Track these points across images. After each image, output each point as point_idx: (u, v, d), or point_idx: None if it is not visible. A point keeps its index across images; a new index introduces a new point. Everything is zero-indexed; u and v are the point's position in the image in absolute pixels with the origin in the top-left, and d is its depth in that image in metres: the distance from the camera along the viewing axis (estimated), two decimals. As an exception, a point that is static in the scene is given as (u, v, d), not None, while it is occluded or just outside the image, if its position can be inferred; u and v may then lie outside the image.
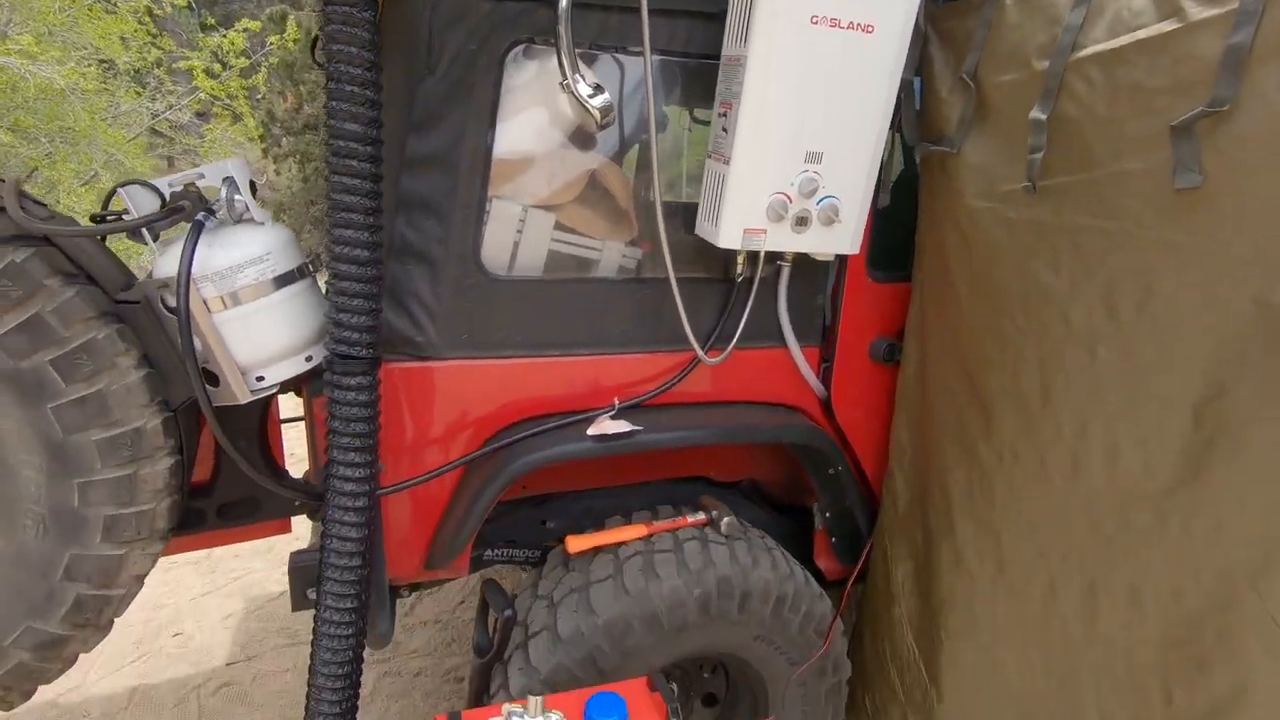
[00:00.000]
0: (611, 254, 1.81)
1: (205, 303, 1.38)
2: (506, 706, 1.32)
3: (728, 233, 1.63)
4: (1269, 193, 1.14)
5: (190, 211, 1.39)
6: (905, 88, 1.71)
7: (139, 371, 1.33)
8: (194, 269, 1.34)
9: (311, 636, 1.56)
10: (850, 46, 1.53)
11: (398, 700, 2.50)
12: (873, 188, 1.71)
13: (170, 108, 8.67)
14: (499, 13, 1.51)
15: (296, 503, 1.77)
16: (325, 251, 1.43)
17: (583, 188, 1.76)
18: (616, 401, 1.79)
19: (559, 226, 1.74)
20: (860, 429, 2.06)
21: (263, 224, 1.48)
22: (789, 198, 1.62)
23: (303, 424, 1.86)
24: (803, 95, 1.54)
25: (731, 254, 1.72)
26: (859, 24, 1.51)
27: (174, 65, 8.51)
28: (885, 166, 1.76)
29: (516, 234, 1.71)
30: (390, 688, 2.56)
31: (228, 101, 8.44)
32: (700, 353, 1.77)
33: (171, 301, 1.35)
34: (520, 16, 1.52)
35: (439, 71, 1.52)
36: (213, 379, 1.44)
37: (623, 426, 1.71)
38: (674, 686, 1.50)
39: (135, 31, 7.81)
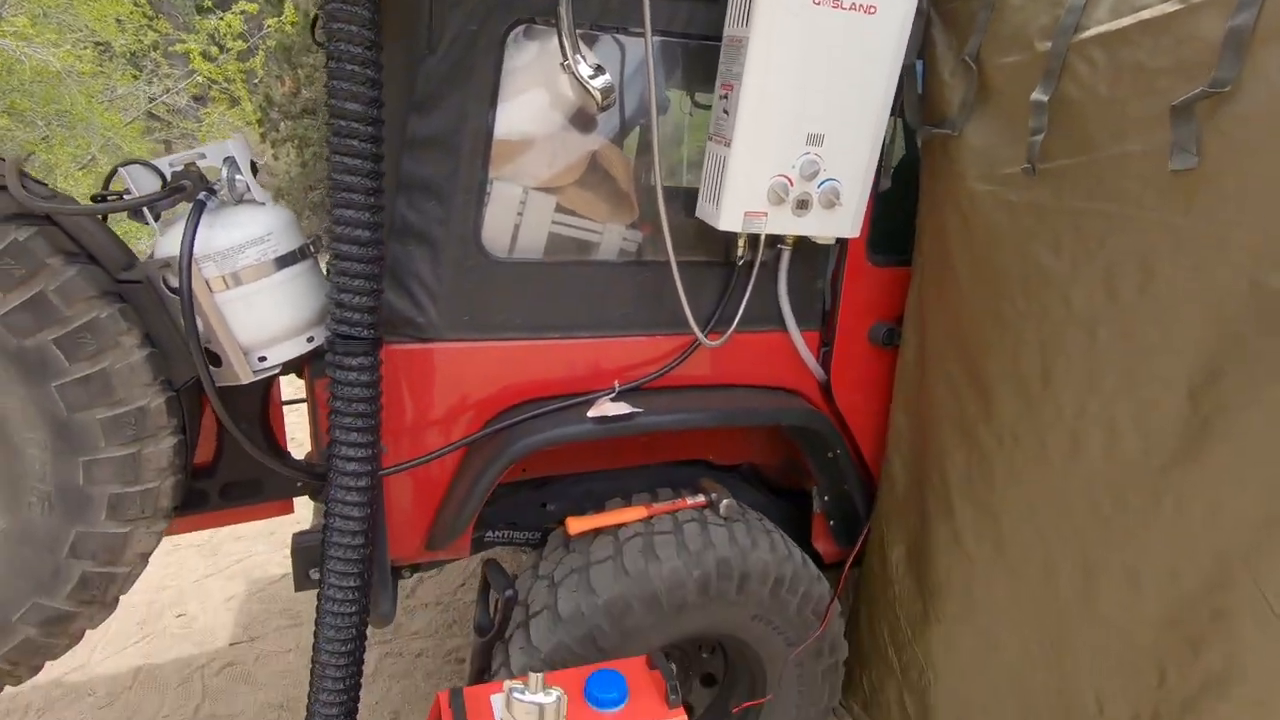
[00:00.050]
0: (612, 237, 1.81)
1: (207, 283, 1.39)
2: (508, 683, 1.34)
3: (728, 215, 1.63)
4: (1270, 173, 1.14)
5: (191, 191, 1.39)
6: (907, 70, 1.70)
7: (142, 351, 1.33)
8: (195, 249, 1.34)
9: (315, 616, 1.57)
10: (852, 28, 1.52)
11: (399, 681, 2.53)
12: (874, 171, 1.71)
13: (167, 91, 8.61)
14: (500, -8, 1.50)
15: (299, 483, 1.78)
16: (326, 232, 1.43)
17: (584, 170, 1.76)
18: (617, 384, 1.80)
19: (560, 209, 1.74)
20: (859, 413, 2.07)
21: (264, 204, 1.48)
22: (790, 180, 1.62)
23: (303, 407, 1.87)
24: (804, 77, 1.54)
25: (732, 237, 1.72)
26: (861, 5, 1.50)
27: (170, 48, 8.43)
28: (886, 150, 1.76)
29: (517, 216, 1.71)
30: (392, 668, 2.58)
31: (225, 85, 8.38)
32: (700, 336, 1.77)
33: (173, 281, 1.35)
34: (521, -4, 1.51)
35: (439, 52, 1.51)
36: (215, 359, 1.45)
37: (623, 409, 1.72)
38: (673, 666, 1.51)
39: (131, 14, 7.74)
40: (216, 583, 3.00)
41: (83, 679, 2.47)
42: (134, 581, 1.46)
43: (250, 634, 2.72)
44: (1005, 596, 1.71)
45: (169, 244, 1.37)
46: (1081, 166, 1.42)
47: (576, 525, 1.80)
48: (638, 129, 1.84)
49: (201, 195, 1.39)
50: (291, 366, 1.60)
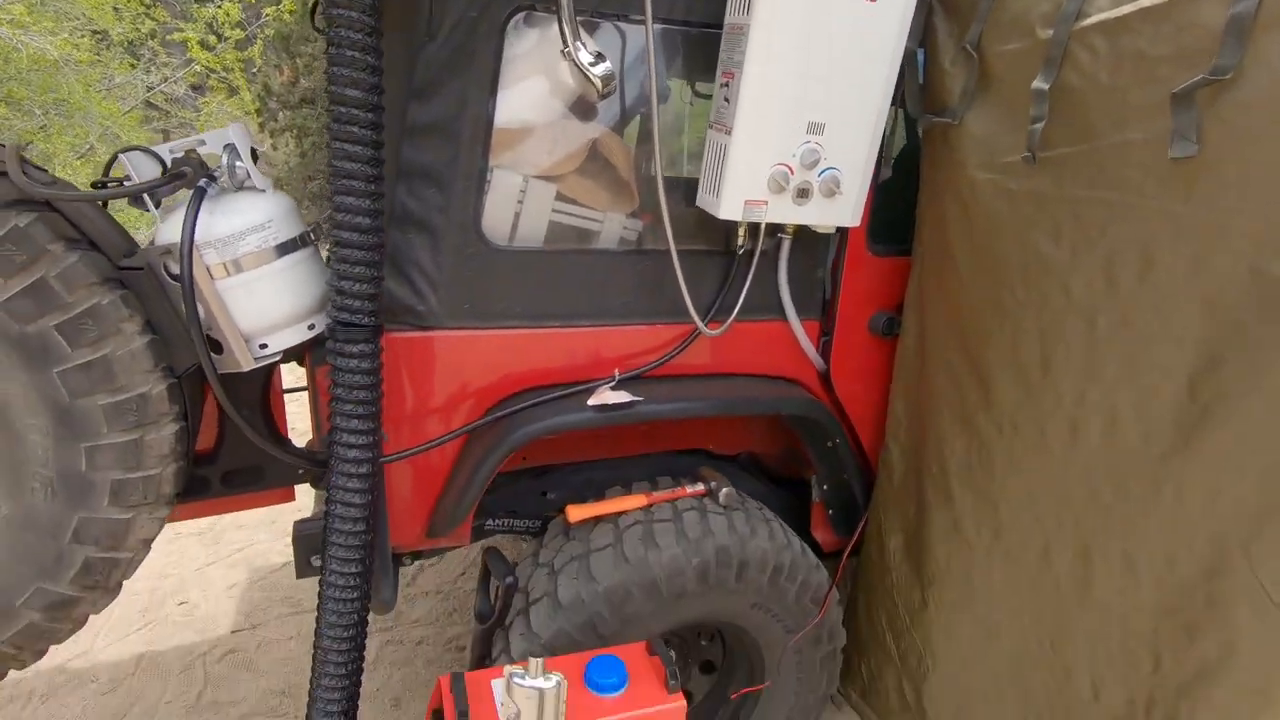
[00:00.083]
0: (612, 225, 1.81)
1: (208, 269, 1.39)
2: (508, 668, 1.35)
3: (729, 204, 1.63)
4: (1271, 161, 1.14)
5: (192, 178, 1.39)
6: (908, 59, 1.70)
7: (143, 337, 1.33)
8: (196, 236, 1.34)
9: (317, 602, 1.58)
10: (854, 15, 1.52)
11: (400, 668, 2.55)
12: (874, 160, 1.71)
13: (165, 80, 8.57)
14: (500, -22, 1.49)
15: (300, 470, 1.79)
16: (327, 219, 1.43)
17: (584, 158, 1.75)
18: (617, 372, 1.80)
19: (560, 197, 1.74)
20: (859, 402, 2.07)
21: (264, 191, 1.48)
22: (790, 169, 1.61)
23: (303, 396, 1.88)
24: (805, 65, 1.53)
25: (732, 226, 1.72)
26: (863, -8, 1.50)
27: (168, 37, 8.39)
28: (887, 139, 1.76)
29: (517, 204, 1.71)
30: (393, 655, 2.60)
31: (223, 74, 8.34)
32: (700, 325, 1.78)
33: (174, 268, 1.35)
34: (521, -18, 1.51)
35: (440, 38, 1.51)
36: (216, 346, 1.45)
37: (623, 397, 1.73)
38: (672, 653, 1.52)
39: (128, 2, 7.69)
40: (218, 571, 3.01)
41: (86, 665, 2.49)
42: (137, 567, 1.47)
43: (252, 621, 2.74)
44: (1004, 584, 1.72)
45: (170, 231, 1.37)
46: (1082, 155, 1.42)
47: (577, 513, 1.81)
48: (638, 117, 1.84)
49: (202, 182, 1.39)
50: (292, 354, 1.60)
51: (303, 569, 1.68)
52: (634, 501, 1.83)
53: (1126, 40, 1.31)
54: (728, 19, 1.59)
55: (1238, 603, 1.29)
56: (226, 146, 1.44)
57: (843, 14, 1.51)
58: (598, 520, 1.81)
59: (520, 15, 1.55)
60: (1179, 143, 1.24)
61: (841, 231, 1.89)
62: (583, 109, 1.72)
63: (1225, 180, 1.21)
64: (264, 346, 1.50)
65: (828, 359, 2.00)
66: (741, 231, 1.73)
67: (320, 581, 1.57)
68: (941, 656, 1.90)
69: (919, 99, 1.79)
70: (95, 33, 7.68)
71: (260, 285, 1.44)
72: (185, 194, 1.40)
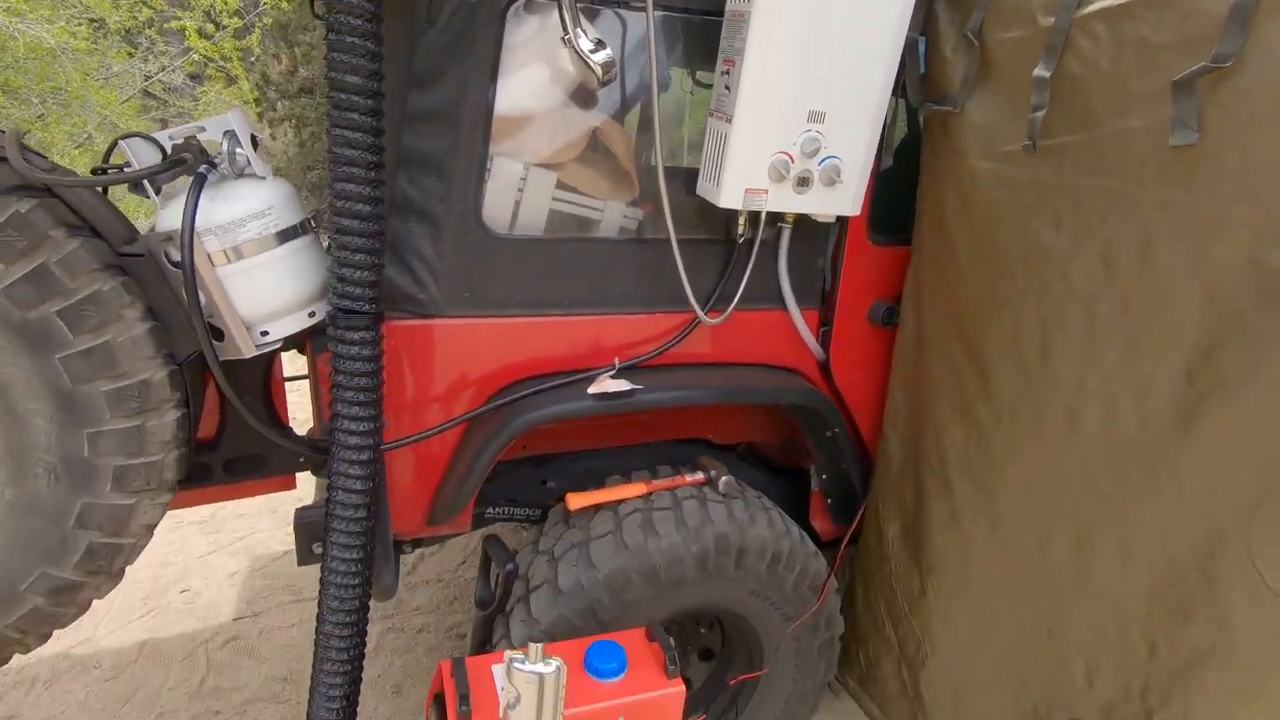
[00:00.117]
0: (613, 214, 1.81)
1: (209, 256, 1.39)
2: (508, 653, 1.36)
3: (729, 193, 1.62)
4: (1272, 149, 1.15)
5: (192, 165, 1.39)
6: (910, 47, 1.70)
7: (145, 324, 1.34)
8: (197, 223, 1.34)
9: (319, 589, 1.59)
10: (856, 2, 1.51)
11: (401, 655, 2.56)
12: (875, 149, 1.71)
13: (163, 69, 8.52)
14: (500, -36, 1.49)
15: (301, 458, 1.80)
16: (328, 206, 1.43)
17: (584, 146, 1.75)
18: (617, 361, 1.81)
19: (560, 185, 1.74)
20: (858, 392, 2.08)
21: (264, 178, 1.48)
22: (791, 157, 1.61)
23: (304, 386, 1.88)
24: (807, 52, 1.53)
25: (733, 215, 1.72)
26: (865, -21, 1.49)
27: (165, 25, 8.33)
28: (888, 128, 1.76)
29: (518, 192, 1.71)
30: (394, 643, 2.62)
31: (221, 63, 8.29)
32: (700, 314, 1.78)
33: (175, 255, 1.35)
34: (521, -32, 1.50)
35: (439, 24, 1.50)
36: (217, 333, 1.46)
37: (623, 385, 1.73)
38: (671, 640, 1.54)
39: (125, -11, 7.64)
40: (219, 559, 3.03)
41: (88, 652, 2.50)
42: (140, 553, 1.48)
43: (254, 609, 2.75)
44: (1001, 572, 1.73)
45: (170, 217, 1.37)
46: (1083, 143, 1.42)
47: (577, 501, 1.82)
48: (639, 105, 1.83)
49: (202, 168, 1.39)
50: (293, 342, 1.61)
51: (304, 556, 1.69)
52: (634, 490, 1.84)
53: (1128, 27, 1.31)
54: (729, 6, 1.58)
55: (1233, 589, 1.30)
56: (226, 133, 1.44)
57: (844, 1, 1.50)
58: (598, 508, 1.82)
59: (520, 2, 1.54)
60: (1180, 131, 1.24)
61: (841, 221, 1.89)
62: (583, 96, 1.72)
63: (1226, 169, 1.21)
64: (265, 334, 1.50)
65: (827, 348, 2.01)
66: (742, 220, 1.73)
67: (322, 568, 1.58)
68: (940, 644, 1.92)
69: (920, 87, 1.79)
70: (92, 21, 7.63)
71: (261, 272, 1.45)
72: (185, 181, 1.40)
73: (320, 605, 1.59)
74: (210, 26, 8.16)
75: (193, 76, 9.03)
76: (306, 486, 2.08)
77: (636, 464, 2.01)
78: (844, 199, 1.71)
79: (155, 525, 1.48)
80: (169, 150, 1.46)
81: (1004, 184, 1.59)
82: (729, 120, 1.58)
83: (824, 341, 2.01)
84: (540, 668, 1.30)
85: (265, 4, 8.04)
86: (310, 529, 1.67)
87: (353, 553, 1.55)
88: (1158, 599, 1.41)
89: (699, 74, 2.02)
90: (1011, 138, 1.56)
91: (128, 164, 1.44)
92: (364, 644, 1.65)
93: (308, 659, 2.47)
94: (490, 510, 2.06)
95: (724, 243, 1.82)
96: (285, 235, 1.47)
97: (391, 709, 2.34)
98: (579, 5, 1.49)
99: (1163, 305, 1.33)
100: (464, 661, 1.45)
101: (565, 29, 1.49)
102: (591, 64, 1.50)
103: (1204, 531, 1.33)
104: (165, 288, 1.39)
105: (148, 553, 1.55)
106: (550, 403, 1.72)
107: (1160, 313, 1.33)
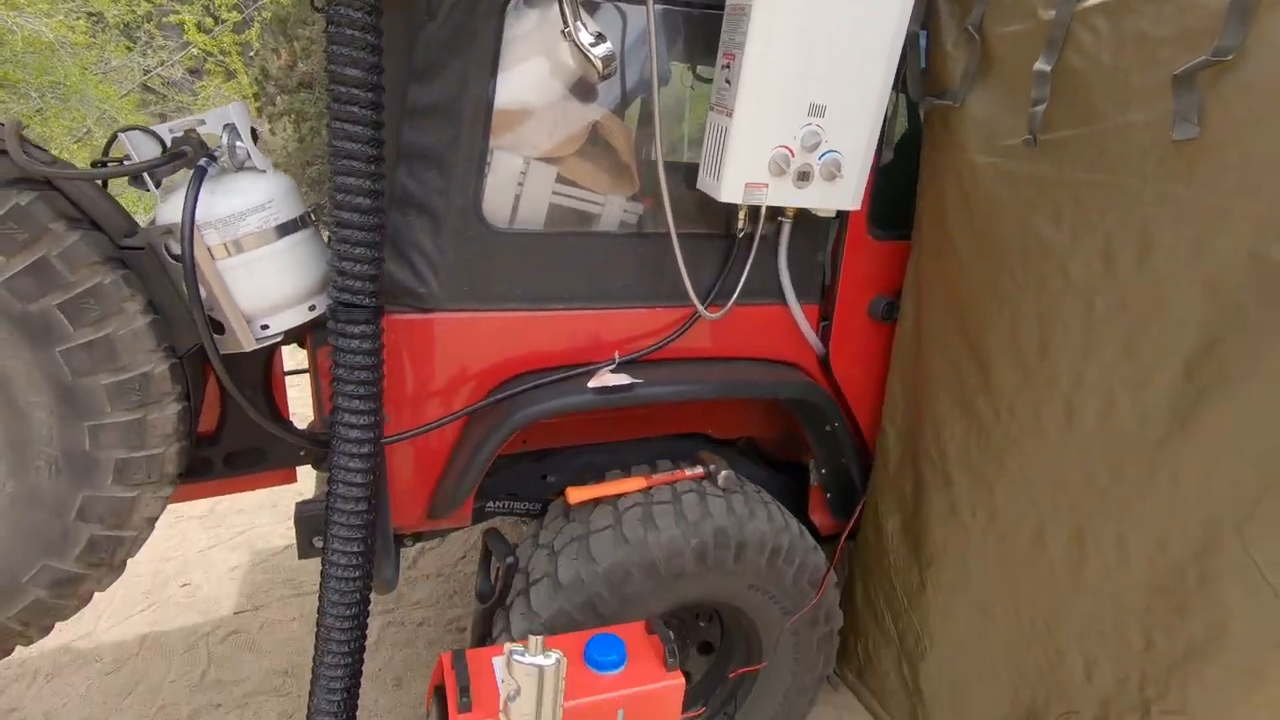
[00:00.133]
0: (613, 208, 1.81)
1: (209, 250, 1.39)
2: (508, 645, 1.37)
3: (729, 187, 1.62)
4: (1273, 143, 1.15)
5: (192, 158, 1.39)
6: (911, 41, 1.69)
7: (145, 317, 1.34)
8: (197, 216, 1.34)
9: (319, 582, 1.60)
10: (856, -4, 1.51)
11: (402, 649, 2.57)
12: (876, 143, 1.70)
13: (162, 64, 8.50)
14: (500, -43, 1.48)
15: (302, 452, 1.80)
16: (327, 200, 1.43)
17: (584, 141, 1.75)
18: (617, 355, 1.81)
19: (560, 179, 1.74)
20: (858, 386, 2.08)
21: (264, 171, 1.47)
22: (791, 152, 1.61)
23: (304, 380, 1.88)
24: (807, 46, 1.52)
25: (733, 209, 1.72)
26: (866, -28, 1.49)
27: (164, 19, 8.31)
28: (889, 122, 1.76)
29: (518, 186, 1.71)
30: (394, 637, 2.63)
31: (220, 58, 8.27)
32: (700, 308, 1.78)
33: (175, 248, 1.35)
34: (522, -39, 1.50)
35: (439, 18, 1.50)
36: (218, 327, 1.46)
37: (623, 380, 1.73)
38: (671, 633, 1.54)
39: (124, -16, 7.61)
40: (220, 553, 3.03)
41: (90, 646, 2.51)
42: (141, 546, 1.48)
43: (254, 603, 2.76)
44: (999, 566, 1.73)
45: (170, 210, 1.37)
46: (1083, 137, 1.42)
47: (577, 495, 1.82)
48: (639, 99, 1.83)
49: (202, 161, 1.39)
50: (293, 336, 1.61)
51: (305, 550, 1.70)
52: (633, 484, 1.84)
53: (1129, 21, 1.30)
54: (729, 0, 1.58)
55: (1231, 582, 1.30)
56: (226, 126, 1.43)
57: (845, -6, 1.50)
58: (597, 502, 1.83)
59: (520, -5, 1.54)
60: (1180, 125, 1.24)
61: (842, 215, 1.89)
62: (583, 90, 1.72)
63: (1226, 163, 1.21)
64: (265, 327, 1.50)
65: (827, 343, 2.01)
66: (742, 215, 1.73)
67: (322, 562, 1.59)
68: (938, 637, 1.92)
69: (920, 82, 1.79)
70: (91, 15, 7.60)
71: (261, 265, 1.45)
72: (185, 174, 1.40)
73: (321, 599, 1.59)
74: (209, 21, 8.14)
75: (191, 71, 9.01)
76: (307, 480, 2.09)
77: (636, 458, 2.01)
78: (844, 193, 1.71)
79: (156, 518, 1.48)
80: (169, 143, 1.46)
81: (1004, 178, 1.59)
82: (729, 114, 1.58)
83: (824, 336, 2.01)
84: (540, 660, 1.31)
85: (264, -2, 8.01)
86: (311, 523, 1.67)
87: (353, 546, 1.55)
88: (1155, 593, 1.42)
89: (699, 68, 2.01)
90: (1012, 132, 1.56)
91: (127, 157, 1.44)
92: (364, 637, 1.65)
93: (308, 652, 2.48)
94: (490, 504, 2.06)
95: (724, 237, 1.82)
96: (285, 229, 1.47)
97: (392, 702, 2.35)
98: (579, -1, 1.48)
99: (1163, 300, 1.33)
100: (464, 654, 1.45)
101: (565, 22, 1.48)
102: (592, 58, 1.50)
103: (1201, 525, 1.33)
104: (166, 281, 1.39)
105: (148, 547, 1.55)
106: (550, 397, 1.72)
107: (1160, 307, 1.33)
